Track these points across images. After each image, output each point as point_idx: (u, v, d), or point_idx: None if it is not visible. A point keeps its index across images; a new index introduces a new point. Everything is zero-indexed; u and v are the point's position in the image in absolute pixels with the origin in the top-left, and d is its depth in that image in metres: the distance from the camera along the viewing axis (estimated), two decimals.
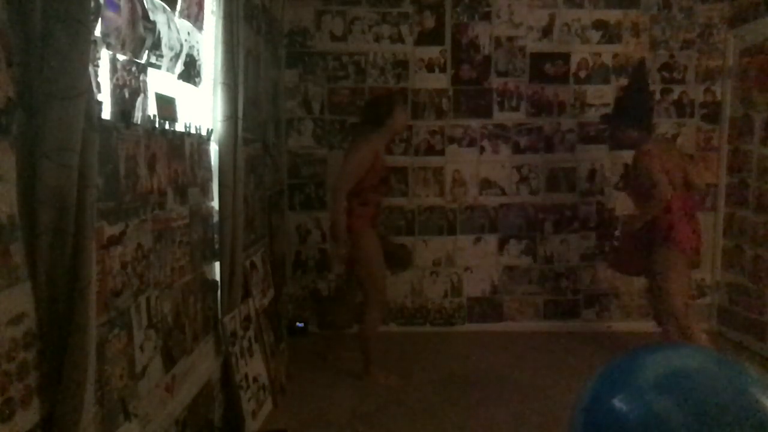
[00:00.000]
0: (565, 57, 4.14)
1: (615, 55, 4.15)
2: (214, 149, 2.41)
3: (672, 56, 4.15)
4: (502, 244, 4.25)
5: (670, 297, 3.19)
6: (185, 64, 2.09)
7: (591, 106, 4.15)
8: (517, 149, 4.19)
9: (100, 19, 1.41)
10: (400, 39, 4.10)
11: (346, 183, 3.10)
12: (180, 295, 2.03)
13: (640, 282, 4.15)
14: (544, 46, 4.14)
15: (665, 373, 0.71)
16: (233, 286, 2.52)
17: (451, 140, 4.17)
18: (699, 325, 3.28)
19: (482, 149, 4.19)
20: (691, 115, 4.19)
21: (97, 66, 1.41)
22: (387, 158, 3.47)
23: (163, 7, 1.86)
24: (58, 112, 1.11)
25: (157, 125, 1.82)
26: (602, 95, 4.14)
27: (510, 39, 4.12)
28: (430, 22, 4.10)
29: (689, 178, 3.26)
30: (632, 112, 3.30)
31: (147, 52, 1.73)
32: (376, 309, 3.26)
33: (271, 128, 3.64)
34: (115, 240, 1.54)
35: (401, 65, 4.11)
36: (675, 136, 4.19)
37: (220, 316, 2.48)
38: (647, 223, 3.24)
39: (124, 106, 1.60)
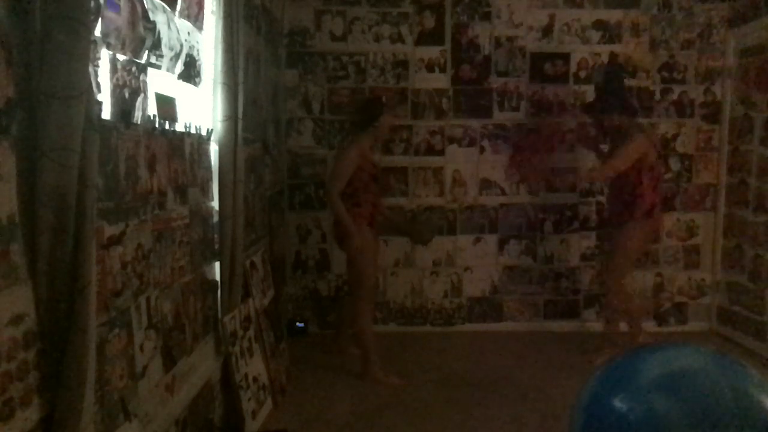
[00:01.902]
0: (565, 57, 4.14)
1: (615, 55, 4.14)
2: (214, 149, 2.41)
3: (672, 56, 4.15)
4: (502, 244, 4.25)
5: (616, 275, 3.49)
6: (185, 64, 2.09)
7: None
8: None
9: (100, 19, 1.41)
10: (400, 39, 4.10)
11: (336, 185, 3.20)
12: (180, 295, 2.03)
13: (639, 282, 4.16)
14: (544, 46, 4.14)
15: (665, 373, 0.71)
16: (233, 286, 2.52)
17: (451, 140, 4.17)
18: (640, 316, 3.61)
19: (482, 149, 4.19)
20: (691, 115, 4.19)
21: (97, 66, 1.41)
22: (384, 159, 3.57)
23: (163, 7, 1.86)
24: (58, 112, 1.11)
25: (157, 125, 1.82)
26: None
27: (510, 39, 4.12)
28: (430, 22, 4.10)
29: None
30: (615, 99, 3.44)
31: (147, 52, 1.73)
32: (362, 307, 3.31)
33: (271, 128, 3.64)
34: (115, 240, 1.54)
35: (401, 65, 4.11)
36: (675, 136, 4.20)
37: (220, 316, 2.48)
38: (624, 201, 3.47)
39: (124, 106, 1.60)
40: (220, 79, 2.32)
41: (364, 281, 3.31)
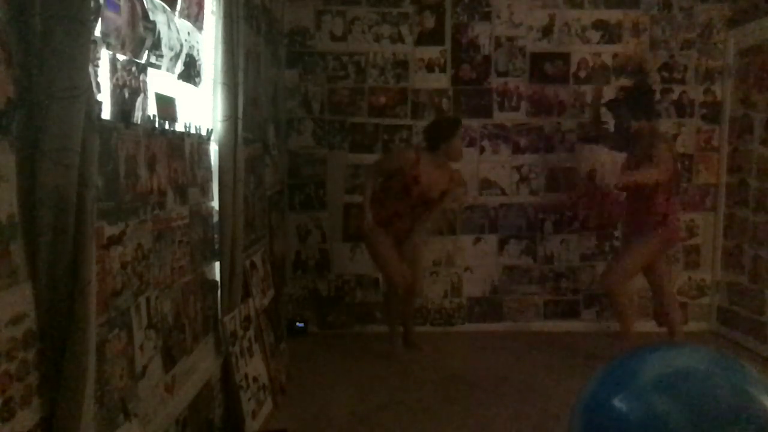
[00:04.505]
0: (565, 57, 4.15)
1: (615, 55, 4.15)
2: (214, 149, 2.41)
3: (672, 56, 4.15)
4: (502, 244, 4.26)
5: (621, 273, 3.47)
6: (185, 64, 2.09)
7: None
8: (517, 149, 4.19)
9: (100, 19, 1.41)
10: (400, 39, 4.10)
11: (369, 173, 3.53)
12: (180, 295, 2.03)
13: (640, 282, 4.15)
14: (544, 46, 4.14)
15: (665, 373, 0.71)
16: (233, 286, 2.52)
17: None
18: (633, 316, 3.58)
19: (482, 149, 4.19)
20: (691, 115, 4.20)
21: (97, 66, 1.41)
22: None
23: (163, 7, 1.86)
24: (58, 112, 1.11)
25: (157, 125, 1.82)
26: (602, 95, 4.14)
27: (510, 39, 4.13)
28: (430, 22, 4.10)
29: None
30: (641, 104, 3.46)
31: (147, 52, 1.73)
32: (389, 297, 3.77)
33: (271, 128, 3.64)
34: (115, 240, 1.54)
35: (401, 65, 4.11)
36: (675, 136, 4.19)
37: (220, 316, 2.48)
38: (638, 210, 3.47)
39: (124, 106, 1.60)
40: (220, 79, 2.32)
41: (387, 280, 3.65)
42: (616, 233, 4.22)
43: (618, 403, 0.69)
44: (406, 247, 3.62)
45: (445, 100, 4.14)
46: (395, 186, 3.44)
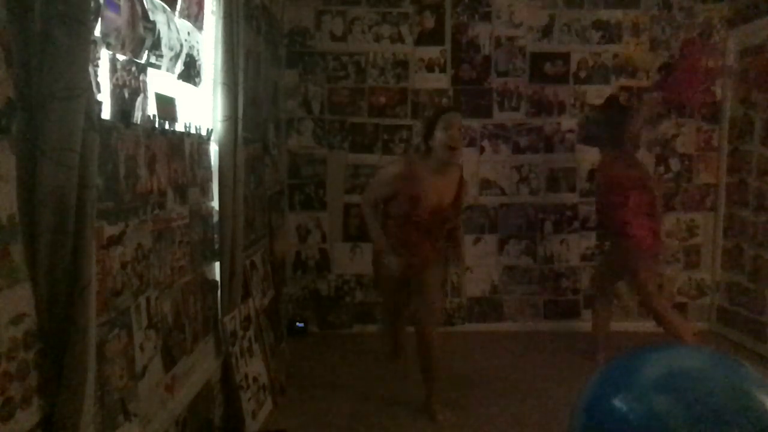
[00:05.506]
0: (565, 57, 4.15)
1: (615, 55, 4.15)
2: (214, 149, 2.41)
3: (672, 56, 4.15)
4: (502, 244, 4.25)
5: (644, 289, 3.31)
6: (185, 64, 2.09)
7: (591, 106, 4.15)
8: (517, 149, 4.19)
9: (100, 19, 1.41)
10: (400, 39, 4.10)
11: (367, 196, 2.88)
12: (180, 295, 2.03)
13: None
14: (544, 46, 4.14)
15: (665, 373, 0.71)
16: (233, 286, 2.52)
17: None
18: (686, 321, 3.35)
19: (482, 149, 4.19)
20: (691, 115, 4.20)
21: (97, 66, 1.41)
22: (383, 159, 3.55)
23: (163, 7, 1.86)
24: (58, 112, 1.11)
25: (157, 125, 1.82)
26: (602, 95, 4.13)
27: (510, 39, 4.13)
28: (430, 22, 4.10)
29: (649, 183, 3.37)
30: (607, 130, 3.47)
31: (147, 52, 1.73)
32: (382, 312, 3.60)
33: (271, 128, 3.64)
34: (115, 240, 1.54)
35: (401, 65, 4.11)
36: (675, 136, 4.20)
37: (220, 316, 2.48)
38: (603, 221, 3.46)
39: (124, 106, 1.60)
40: (220, 79, 2.32)
41: (382, 291, 3.36)
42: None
43: (618, 403, 0.69)
44: (429, 278, 2.94)
45: (445, 100, 4.14)
46: (397, 213, 2.79)
